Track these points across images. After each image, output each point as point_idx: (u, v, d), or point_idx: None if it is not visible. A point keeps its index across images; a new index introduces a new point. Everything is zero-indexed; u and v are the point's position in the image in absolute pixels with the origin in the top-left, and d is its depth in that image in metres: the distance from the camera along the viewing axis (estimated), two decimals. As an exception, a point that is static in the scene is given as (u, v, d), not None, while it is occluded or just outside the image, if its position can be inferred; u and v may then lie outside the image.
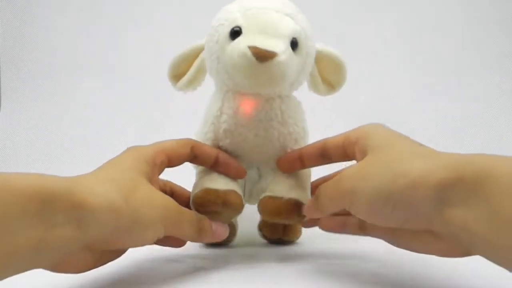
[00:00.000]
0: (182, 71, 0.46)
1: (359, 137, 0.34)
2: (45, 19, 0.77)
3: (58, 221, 0.26)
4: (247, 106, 0.40)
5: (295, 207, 0.39)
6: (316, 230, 0.52)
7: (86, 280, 0.36)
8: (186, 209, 0.36)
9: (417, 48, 0.81)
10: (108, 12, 0.78)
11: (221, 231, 0.39)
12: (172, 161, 0.39)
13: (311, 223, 0.43)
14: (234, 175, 0.41)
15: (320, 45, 0.43)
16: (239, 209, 0.40)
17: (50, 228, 0.26)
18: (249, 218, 0.52)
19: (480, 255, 0.26)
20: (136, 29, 0.78)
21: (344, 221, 0.41)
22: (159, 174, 0.38)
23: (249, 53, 0.34)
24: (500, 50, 0.79)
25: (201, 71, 0.45)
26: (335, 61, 0.43)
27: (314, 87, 0.45)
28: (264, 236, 0.49)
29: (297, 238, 0.50)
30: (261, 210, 0.40)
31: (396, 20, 0.80)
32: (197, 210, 0.39)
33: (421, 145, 0.31)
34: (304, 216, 0.40)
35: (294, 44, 0.38)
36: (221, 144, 0.42)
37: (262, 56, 0.34)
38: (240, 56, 0.35)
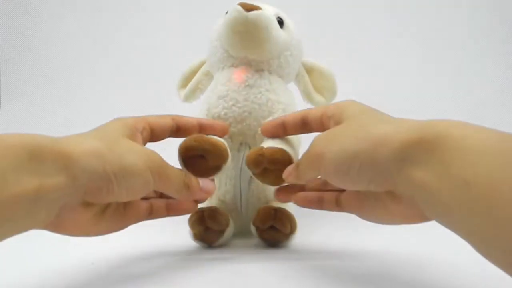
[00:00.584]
0: (189, 82, 0.52)
1: (334, 111, 0.36)
2: (45, 19, 0.80)
3: (49, 171, 0.27)
4: (238, 75, 0.45)
5: (279, 153, 0.39)
6: (309, 231, 0.51)
7: (84, 277, 0.37)
8: (171, 164, 0.36)
9: (419, 44, 0.80)
10: (109, 14, 0.80)
11: (209, 187, 0.39)
12: (155, 132, 0.39)
13: (286, 197, 0.42)
14: (220, 132, 0.42)
15: (308, 59, 0.50)
16: (224, 154, 0.39)
17: (43, 179, 0.27)
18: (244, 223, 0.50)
19: (435, 218, 0.27)
20: (136, 30, 0.80)
21: (320, 196, 0.40)
22: (144, 143, 0.38)
23: (237, 6, 0.42)
24: (503, 41, 0.77)
25: (204, 77, 0.51)
26: (323, 71, 0.50)
27: (307, 95, 0.51)
28: (257, 229, 0.46)
29: (291, 230, 0.46)
30: (246, 159, 0.40)
31: (397, 16, 0.80)
32: (183, 157, 0.39)
33: (391, 116, 0.33)
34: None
35: (280, 23, 0.46)
36: (214, 111, 0.45)
37: (249, 7, 0.41)
38: (230, 12, 0.43)
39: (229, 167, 0.46)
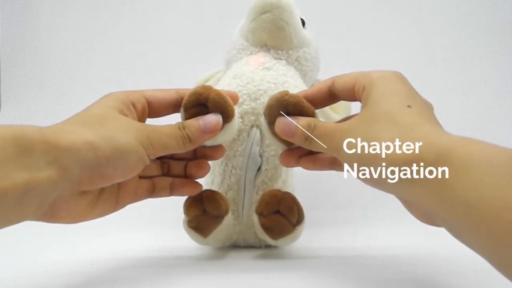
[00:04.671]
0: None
1: (366, 86, 0.33)
2: (46, 20, 0.79)
3: (39, 163, 0.27)
4: (256, 59, 0.45)
5: (305, 102, 0.36)
6: (310, 233, 0.48)
7: (84, 277, 0.37)
8: (162, 126, 0.35)
9: (423, 40, 0.77)
10: (108, 14, 0.79)
11: (211, 123, 0.35)
12: (154, 106, 0.38)
13: (292, 162, 0.38)
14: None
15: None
16: (229, 109, 0.36)
17: (33, 172, 0.26)
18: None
19: (445, 229, 0.27)
20: (136, 32, 0.79)
21: (333, 158, 0.37)
22: (139, 116, 0.37)
23: None
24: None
25: (217, 82, 0.51)
26: None
27: (322, 111, 0.48)
28: (260, 216, 0.41)
29: (298, 220, 0.41)
30: (269, 99, 0.37)
31: (400, 11, 0.78)
32: (186, 105, 0.36)
33: (410, 106, 0.31)
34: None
35: (302, 23, 0.47)
36: (227, 89, 0.43)
37: None
38: None
39: (236, 154, 0.44)
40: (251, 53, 0.47)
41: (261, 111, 0.42)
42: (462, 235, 0.25)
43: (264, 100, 0.42)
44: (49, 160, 0.27)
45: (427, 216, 0.29)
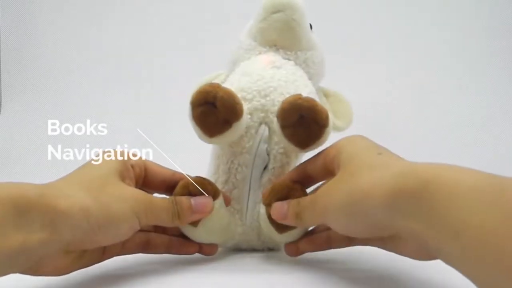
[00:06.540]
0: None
1: (335, 154, 0.35)
2: (46, 20, 0.78)
3: (34, 226, 0.28)
4: (266, 58, 0.45)
5: (319, 105, 0.37)
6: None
7: (84, 277, 0.36)
8: (158, 198, 0.37)
9: (421, 42, 0.78)
10: (109, 15, 0.79)
11: (202, 204, 0.38)
12: (149, 179, 0.40)
13: (295, 252, 0.41)
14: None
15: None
16: (238, 108, 0.37)
17: (28, 233, 0.27)
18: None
19: (440, 259, 0.27)
20: (136, 33, 0.78)
21: (328, 236, 0.40)
22: (136, 179, 0.38)
23: None
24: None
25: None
26: (340, 97, 0.51)
27: None
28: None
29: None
30: (283, 102, 0.38)
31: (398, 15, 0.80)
32: (194, 103, 0.37)
33: (380, 153, 0.33)
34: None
35: (310, 26, 0.48)
36: (236, 85, 0.42)
37: None
38: None
39: (243, 151, 0.42)
40: (259, 53, 0.47)
41: (271, 108, 0.42)
42: (454, 262, 0.25)
43: (274, 97, 0.42)
44: (45, 223, 0.28)
45: (421, 252, 0.30)
